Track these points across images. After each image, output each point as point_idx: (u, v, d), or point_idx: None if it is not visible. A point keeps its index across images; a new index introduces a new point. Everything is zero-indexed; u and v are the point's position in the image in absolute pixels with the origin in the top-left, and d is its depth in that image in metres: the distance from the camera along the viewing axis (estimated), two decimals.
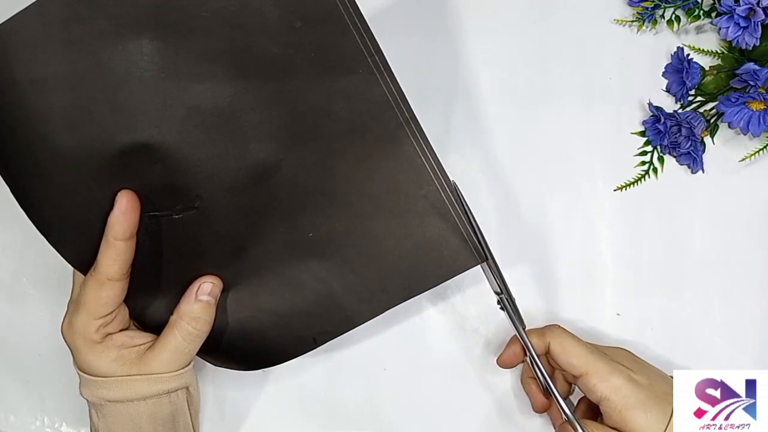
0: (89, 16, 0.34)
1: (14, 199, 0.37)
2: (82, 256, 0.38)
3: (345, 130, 0.38)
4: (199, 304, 0.39)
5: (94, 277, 0.37)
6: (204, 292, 0.39)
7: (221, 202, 0.38)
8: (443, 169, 0.39)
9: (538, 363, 0.40)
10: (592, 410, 0.42)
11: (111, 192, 0.37)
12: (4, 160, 0.36)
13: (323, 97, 0.37)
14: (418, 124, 0.38)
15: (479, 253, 0.39)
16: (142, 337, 0.40)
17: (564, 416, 0.39)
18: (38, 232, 0.37)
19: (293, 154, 0.38)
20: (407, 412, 0.47)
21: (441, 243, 0.39)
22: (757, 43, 0.42)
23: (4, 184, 0.37)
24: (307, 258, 0.40)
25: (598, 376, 0.38)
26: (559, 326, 0.42)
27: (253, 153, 0.38)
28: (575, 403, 0.44)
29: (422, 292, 0.40)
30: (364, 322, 0.41)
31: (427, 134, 0.38)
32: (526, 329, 0.42)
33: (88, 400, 0.40)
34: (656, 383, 0.39)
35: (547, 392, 0.43)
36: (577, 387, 0.41)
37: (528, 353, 0.40)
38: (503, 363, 0.44)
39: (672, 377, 0.40)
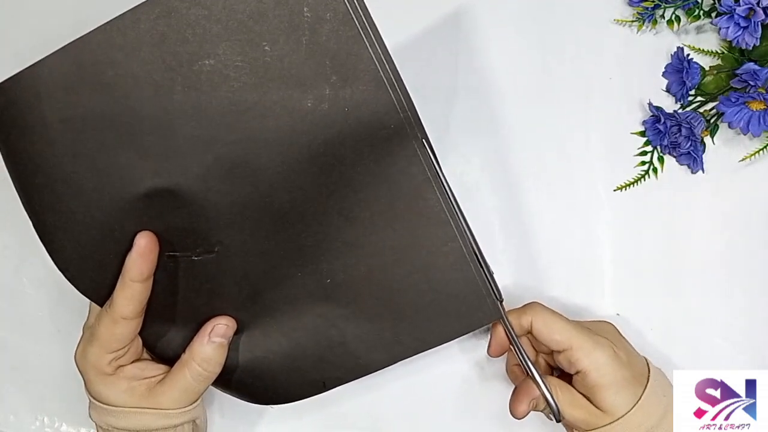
0: (123, 60, 0.34)
1: (34, 229, 0.37)
2: (99, 291, 0.38)
3: (371, 181, 0.38)
4: (211, 346, 0.39)
5: (109, 315, 0.37)
6: (217, 333, 0.39)
7: (242, 247, 0.38)
8: (467, 223, 0.38)
9: (514, 337, 0.40)
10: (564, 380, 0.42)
11: (131, 232, 0.37)
12: (28, 195, 0.37)
13: (352, 150, 0.37)
14: (445, 179, 0.38)
15: (496, 309, 0.39)
16: (154, 369, 0.40)
17: (539, 391, 0.39)
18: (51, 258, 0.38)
19: (317, 202, 0.38)
20: (407, 412, 0.48)
21: (460, 299, 0.39)
22: (757, 43, 0.42)
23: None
24: (323, 303, 0.40)
25: (582, 350, 0.38)
26: (540, 303, 0.42)
27: (278, 202, 0.37)
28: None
29: (437, 345, 0.40)
30: (375, 371, 0.41)
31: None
32: (506, 310, 0.41)
33: (96, 424, 0.40)
34: (634, 362, 0.39)
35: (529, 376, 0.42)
36: (559, 364, 0.41)
37: (507, 331, 0.40)
38: (494, 353, 0.42)
39: (647, 359, 0.41)
